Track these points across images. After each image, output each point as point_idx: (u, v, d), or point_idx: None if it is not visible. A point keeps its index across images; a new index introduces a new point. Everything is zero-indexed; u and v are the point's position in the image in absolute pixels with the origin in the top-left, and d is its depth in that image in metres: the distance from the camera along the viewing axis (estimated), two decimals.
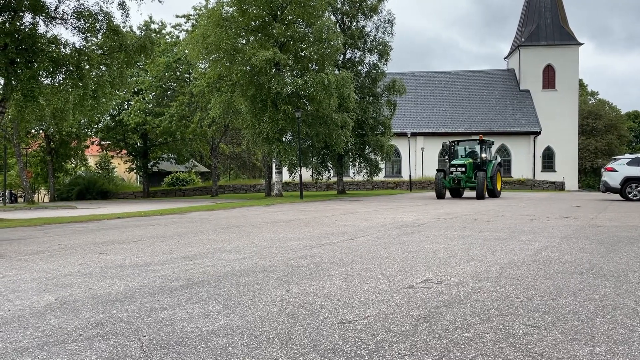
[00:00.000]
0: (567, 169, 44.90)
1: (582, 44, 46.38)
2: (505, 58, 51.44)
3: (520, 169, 43.55)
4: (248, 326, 3.37)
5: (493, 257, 6.00)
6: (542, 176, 43.48)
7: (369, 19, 32.17)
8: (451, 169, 22.44)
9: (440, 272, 5.10)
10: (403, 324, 3.35)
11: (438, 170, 22.67)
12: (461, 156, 23.65)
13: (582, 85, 66.75)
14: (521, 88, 46.39)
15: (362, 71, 32.66)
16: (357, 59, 32.59)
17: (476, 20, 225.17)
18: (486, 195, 22.08)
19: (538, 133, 43.38)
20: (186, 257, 6.42)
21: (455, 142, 24.22)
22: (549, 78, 46.18)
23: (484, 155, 22.85)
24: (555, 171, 44.84)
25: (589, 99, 68.94)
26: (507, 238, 7.76)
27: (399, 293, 4.20)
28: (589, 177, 59.10)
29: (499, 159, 27.44)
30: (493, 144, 23.67)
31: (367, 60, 32.68)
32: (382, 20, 32.21)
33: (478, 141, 23.31)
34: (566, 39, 46.22)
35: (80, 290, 4.59)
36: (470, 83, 47.61)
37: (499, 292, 4.21)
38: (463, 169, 22.05)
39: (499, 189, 23.18)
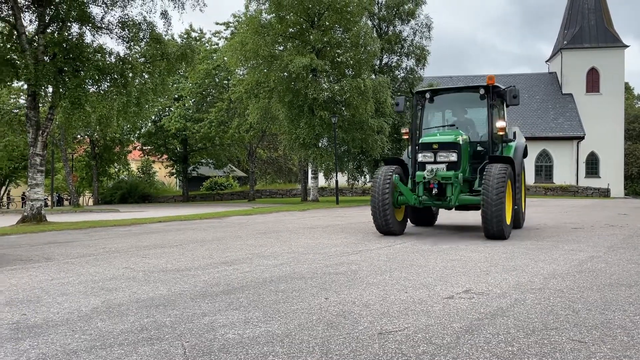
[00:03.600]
0: (612, 175, 43.36)
1: (628, 46, 44.80)
2: (547, 61, 50.20)
3: (563, 174, 42.32)
4: (288, 334, 3.39)
5: (536, 267, 5.85)
6: (585, 182, 42.14)
7: (406, 23, 32.01)
8: (420, 155, 9.21)
9: (481, 282, 5.00)
10: (444, 336, 3.30)
11: (387, 162, 9.95)
12: (445, 127, 10.17)
13: (627, 88, 64.40)
14: (564, 92, 45.16)
15: (399, 76, 32.48)
16: (394, 64, 32.45)
17: (514, 21, 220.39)
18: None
19: (581, 138, 42.10)
20: (225, 262, 6.51)
21: (428, 95, 10.31)
22: (593, 81, 44.77)
23: (500, 124, 9.46)
24: (599, 177, 43.37)
25: (635, 102, 66.48)
26: (550, 247, 7.55)
27: (439, 303, 4.15)
28: (636, 184, 56.87)
29: (523, 140, 11.21)
30: (516, 97, 9.57)
31: (404, 65, 32.51)
32: (419, 24, 32.01)
33: (482, 91, 9.64)
34: (611, 41, 44.74)
35: (125, 294, 4.72)
36: None
37: (544, 304, 4.10)
38: (454, 155, 8.93)
39: (523, 208, 10.84)
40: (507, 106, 10.25)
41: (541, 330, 3.40)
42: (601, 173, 43.81)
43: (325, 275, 5.46)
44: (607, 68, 44.32)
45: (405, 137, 10.14)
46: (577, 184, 41.40)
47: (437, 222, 12.01)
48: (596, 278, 5.17)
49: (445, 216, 13.53)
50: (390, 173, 9.26)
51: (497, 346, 3.10)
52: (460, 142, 9.08)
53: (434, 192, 8.90)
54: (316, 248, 7.82)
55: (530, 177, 41.03)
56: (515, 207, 9.54)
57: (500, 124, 9.50)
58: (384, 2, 32.02)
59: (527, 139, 39.69)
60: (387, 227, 9.22)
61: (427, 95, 10.34)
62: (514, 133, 10.50)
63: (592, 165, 44.20)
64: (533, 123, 43.32)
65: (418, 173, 9.17)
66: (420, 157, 9.22)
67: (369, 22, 30.72)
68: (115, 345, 3.22)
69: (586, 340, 3.21)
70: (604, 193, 38.10)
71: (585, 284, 4.89)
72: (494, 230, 8.31)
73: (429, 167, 9.03)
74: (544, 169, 43.14)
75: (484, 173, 8.60)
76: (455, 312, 3.88)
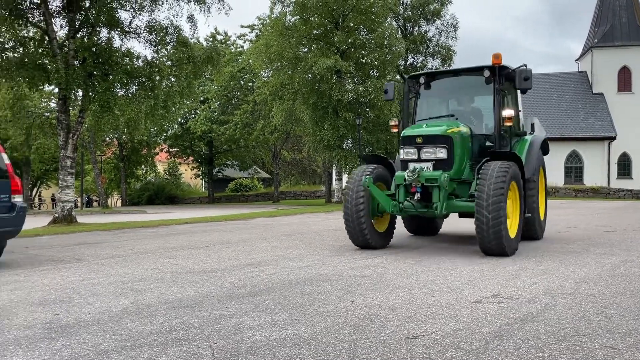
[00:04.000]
0: None
1: None
2: (576, 60, 49.16)
3: (594, 176, 41.35)
4: (314, 337, 3.39)
5: (567, 271, 5.73)
6: (617, 184, 41.09)
7: (432, 23, 31.80)
8: (402, 152, 7.74)
9: (510, 286, 4.92)
10: (473, 341, 3.26)
11: (367, 160, 8.78)
12: (445, 117, 8.31)
13: None
14: (594, 91, 44.15)
15: None
16: (419, 64, 32.23)
17: (543, 19, 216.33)
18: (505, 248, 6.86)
19: (613, 138, 41.10)
20: (251, 264, 6.55)
21: (422, 80, 8.68)
22: (625, 80, 43.67)
23: (508, 113, 7.72)
24: (632, 179, 42.24)
25: None
26: (581, 251, 7.38)
27: (467, 308, 4.09)
28: None
29: (544, 133, 9.59)
30: (528, 79, 7.70)
31: (429, 66, 32.26)
32: (445, 24, 31.75)
33: (487, 73, 7.86)
34: None
35: (153, 295, 4.79)
36: (539, 87, 45.76)
37: (575, 309, 4.01)
38: (443, 151, 7.36)
39: (542, 215, 9.02)
40: (522, 92, 8.42)
41: (573, 337, 3.33)
42: (634, 174, 42.68)
43: (350, 278, 5.44)
44: (639, 66, 43.22)
45: (394, 130, 8.40)
46: (608, 185, 40.43)
47: (440, 231, 10.14)
48: (629, 283, 5.04)
49: (451, 223, 11.00)
50: (368, 174, 7.61)
51: (527, 352, 3.05)
52: (454, 135, 7.36)
53: (415, 197, 7.22)
54: (341, 250, 7.80)
55: (560, 179, 40.20)
56: (528, 214, 8.04)
57: (507, 112, 7.70)
58: (409, 2, 31.86)
59: (557, 139, 38.90)
60: (364, 240, 7.62)
61: (422, 80, 8.65)
62: (532, 125, 8.98)
63: (624, 167, 43.10)
64: (563, 123, 42.50)
65: (398, 174, 7.49)
66: (402, 154, 7.65)
67: (394, 23, 30.59)
68: (145, 346, 3.27)
69: (620, 347, 3.13)
70: (637, 195, 37.09)
71: (618, 288, 4.77)
72: (491, 244, 6.67)
73: (411, 165, 7.42)
74: (574, 170, 42.25)
75: (480, 173, 6.92)
76: (484, 316, 3.82)
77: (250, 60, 31.88)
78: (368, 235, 7.56)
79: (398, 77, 29.23)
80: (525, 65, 7.86)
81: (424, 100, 8.82)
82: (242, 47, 39.30)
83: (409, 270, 5.90)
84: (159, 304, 4.41)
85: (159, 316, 3.99)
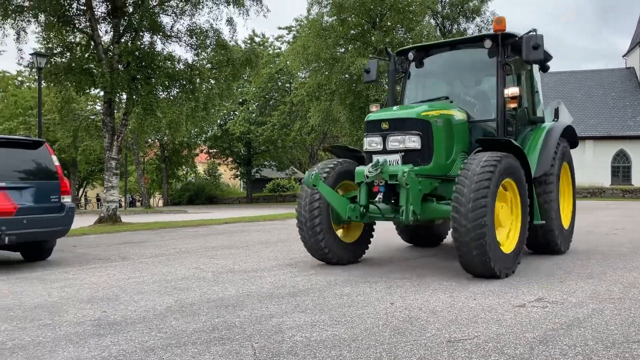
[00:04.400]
0: None
1: None
2: (623, 56, 47.38)
3: None
4: (354, 339, 3.40)
5: (614, 275, 5.53)
6: None
7: (471, 21, 31.28)
8: (365, 141, 6.15)
9: (555, 290, 4.79)
10: (517, 346, 3.19)
11: (332, 151, 7.43)
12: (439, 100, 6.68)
13: None
14: None
15: None
16: None
17: (586, 14, 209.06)
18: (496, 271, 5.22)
19: None
20: (290, 264, 6.61)
21: (412, 55, 7.20)
22: None
23: (511, 91, 6.06)
24: None
25: None
26: (629, 253, 7.12)
27: (510, 312, 4.01)
28: None
29: (571, 119, 7.90)
30: (538, 48, 5.87)
31: None
32: (485, 22, 31.15)
33: (488, 43, 6.28)
34: None
35: (196, 294, 4.90)
36: (583, 84, 44.37)
37: (624, 315, 3.88)
38: (415, 140, 5.76)
39: (566, 223, 7.33)
40: (542, 69, 7.18)
41: (622, 343, 3.22)
42: None
43: (390, 280, 5.42)
44: None
45: None
46: None
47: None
48: None
49: None
50: (326, 172, 6.26)
51: (574, 359, 2.97)
52: (432, 120, 5.80)
53: (378, 198, 5.76)
54: (378, 251, 7.76)
55: (606, 179, 38.83)
56: (541, 222, 6.40)
57: (510, 90, 6.06)
58: (447, 0, 31.43)
59: (603, 138, 37.67)
60: (322, 254, 6.30)
61: (411, 55, 7.14)
62: (556, 110, 7.49)
63: None
64: (608, 122, 41.06)
65: (357, 169, 6.03)
66: (366, 144, 6.09)
67: (432, 21, 30.24)
68: (189, 344, 3.35)
69: None
70: None
71: None
72: (474, 262, 5.16)
73: (375, 158, 5.89)
74: (622, 170, 40.72)
75: (461, 168, 5.41)
76: (528, 321, 3.74)
77: (288, 62, 32.10)
78: (324, 245, 6.18)
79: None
80: (535, 31, 6.12)
81: (414, 81, 7.29)
82: (280, 48, 39.64)
83: (449, 272, 5.82)
84: (201, 302, 4.51)
85: (201, 315, 4.08)
